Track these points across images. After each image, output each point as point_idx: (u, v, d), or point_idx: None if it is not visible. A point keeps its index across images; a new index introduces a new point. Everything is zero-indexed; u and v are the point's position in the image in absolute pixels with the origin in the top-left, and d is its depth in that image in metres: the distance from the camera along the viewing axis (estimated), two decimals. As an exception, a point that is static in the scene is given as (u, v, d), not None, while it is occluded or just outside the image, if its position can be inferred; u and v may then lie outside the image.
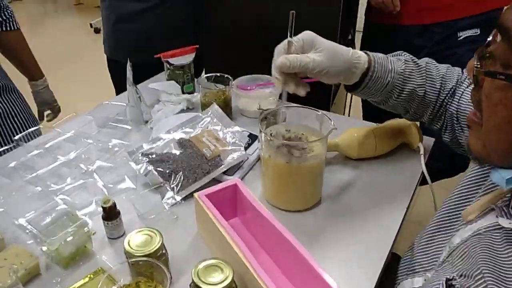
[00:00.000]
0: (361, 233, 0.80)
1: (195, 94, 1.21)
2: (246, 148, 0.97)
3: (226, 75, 1.12)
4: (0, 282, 0.64)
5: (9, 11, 1.29)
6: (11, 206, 0.85)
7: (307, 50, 0.74)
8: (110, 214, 0.77)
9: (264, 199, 0.87)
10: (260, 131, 0.80)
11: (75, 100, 1.93)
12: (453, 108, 0.80)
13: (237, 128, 1.01)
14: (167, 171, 0.89)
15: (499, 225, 0.53)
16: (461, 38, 1.33)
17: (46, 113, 1.52)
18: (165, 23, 1.44)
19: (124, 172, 0.94)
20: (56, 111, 1.52)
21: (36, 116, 1.46)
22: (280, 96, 0.83)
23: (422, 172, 0.92)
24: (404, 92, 0.80)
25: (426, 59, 0.84)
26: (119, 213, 0.78)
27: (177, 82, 1.21)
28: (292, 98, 0.83)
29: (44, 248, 0.71)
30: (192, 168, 0.89)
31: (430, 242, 0.69)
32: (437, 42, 1.36)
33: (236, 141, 0.96)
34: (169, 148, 0.94)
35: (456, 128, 0.81)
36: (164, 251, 0.68)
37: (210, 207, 0.73)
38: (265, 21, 1.26)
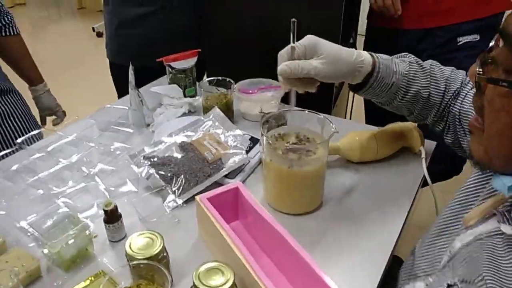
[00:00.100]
0: (362, 236, 0.79)
1: (197, 97, 1.22)
2: (247, 152, 0.97)
3: (228, 79, 1.13)
4: (2, 285, 0.64)
5: (9, 17, 1.30)
6: (13, 209, 0.85)
7: (310, 55, 0.74)
8: (112, 217, 0.77)
9: (265, 203, 0.87)
10: (262, 135, 0.80)
11: (77, 104, 1.94)
12: (456, 109, 0.80)
13: (238, 131, 1.01)
14: (169, 174, 0.89)
15: (501, 230, 0.53)
16: (461, 43, 1.33)
17: (51, 118, 1.52)
18: (167, 28, 1.45)
19: (126, 175, 0.94)
20: (60, 115, 1.52)
21: (38, 120, 1.46)
22: (288, 101, 0.83)
23: (424, 175, 0.92)
24: (409, 94, 0.80)
25: (430, 61, 0.84)
26: (120, 216, 0.78)
27: (179, 85, 1.22)
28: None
29: (46, 251, 0.72)
30: (194, 172, 0.89)
31: (431, 246, 0.69)
32: (438, 46, 1.36)
33: (238, 145, 0.96)
34: (171, 152, 0.94)
35: (458, 130, 0.81)
36: (165, 254, 0.68)
37: (211, 210, 0.73)
38: (266, 25, 1.26)
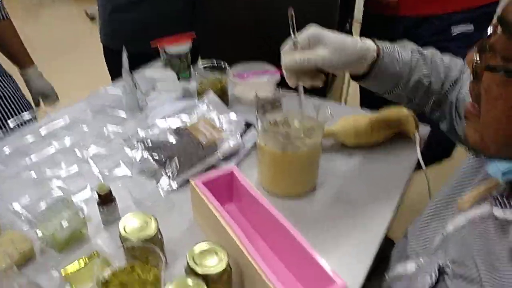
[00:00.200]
0: (355, 219, 0.80)
1: (191, 82, 1.21)
2: (242, 136, 0.97)
3: (222, 63, 1.12)
4: (-5, 266, 0.64)
5: None
6: (6, 193, 0.85)
7: (314, 46, 0.74)
8: (106, 200, 0.77)
9: (260, 186, 0.87)
10: (257, 119, 0.80)
11: (70, 88, 1.91)
12: (452, 97, 0.80)
13: (233, 115, 1.00)
14: (163, 158, 0.89)
15: (493, 214, 0.53)
16: (455, 34, 1.33)
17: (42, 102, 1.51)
18: (161, 13, 1.43)
19: (120, 159, 0.93)
20: (53, 99, 1.51)
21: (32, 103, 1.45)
22: (282, 85, 0.82)
23: (417, 160, 0.92)
24: (411, 82, 0.80)
25: (430, 48, 0.84)
26: (114, 199, 0.78)
27: (173, 70, 1.21)
28: (288, 85, 0.83)
29: (40, 234, 0.71)
30: (188, 155, 0.89)
31: (424, 228, 0.69)
32: (434, 34, 1.36)
33: (233, 129, 0.96)
34: (165, 135, 0.94)
35: (454, 117, 0.81)
36: (159, 236, 0.68)
37: (206, 193, 0.73)
38: (260, 10, 1.25)
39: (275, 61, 0.81)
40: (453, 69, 0.81)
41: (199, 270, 0.58)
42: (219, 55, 1.15)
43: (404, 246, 0.72)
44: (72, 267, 0.69)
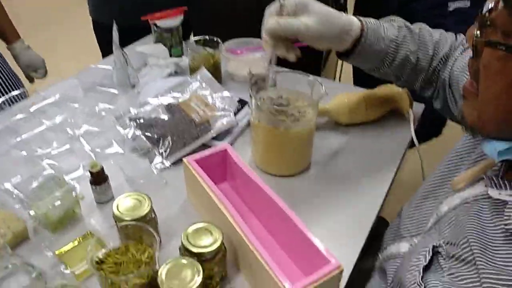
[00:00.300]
0: (349, 197, 0.80)
1: (183, 57, 1.19)
2: (235, 114, 0.96)
3: (215, 38, 1.10)
4: (-12, 246, 0.64)
5: None
6: (-4, 171, 0.84)
7: (299, 14, 0.72)
8: (98, 178, 0.76)
9: (253, 165, 0.87)
10: (250, 96, 0.79)
11: (59, 62, 1.88)
12: (445, 74, 0.79)
13: (226, 93, 0.99)
14: (155, 136, 0.88)
15: (488, 194, 0.53)
16: (451, 9, 1.31)
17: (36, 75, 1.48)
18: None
19: (112, 136, 0.92)
20: (42, 73, 1.48)
21: (23, 80, 1.42)
22: (270, 61, 0.81)
23: (411, 137, 0.92)
24: (397, 59, 0.79)
25: (419, 24, 0.82)
26: (107, 177, 0.77)
27: (164, 45, 1.18)
28: (283, 62, 0.82)
29: (32, 213, 0.71)
30: (181, 133, 0.88)
31: (418, 208, 0.70)
32: (429, 8, 1.34)
33: (226, 107, 0.95)
34: (157, 113, 0.93)
35: (448, 95, 0.80)
36: (153, 215, 0.68)
37: (199, 172, 0.72)
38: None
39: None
40: (443, 45, 0.80)
41: (194, 250, 0.59)
42: (213, 29, 1.13)
43: (398, 226, 0.73)
44: (66, 247, 0.69)
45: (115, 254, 0.60)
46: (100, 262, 0.60)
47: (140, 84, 1.09)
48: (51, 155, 0.88)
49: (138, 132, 0.89)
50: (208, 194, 0.69)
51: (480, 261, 0.48)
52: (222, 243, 0.61)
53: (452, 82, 0.78)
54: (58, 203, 0.71)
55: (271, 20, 0.72)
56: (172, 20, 1.17)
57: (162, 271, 0.56)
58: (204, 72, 1.02)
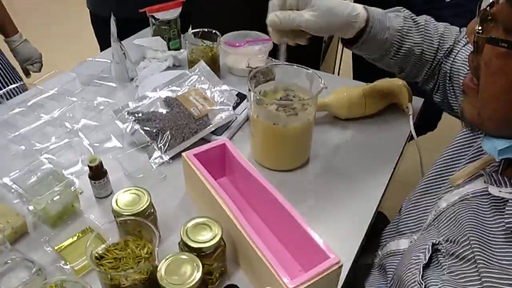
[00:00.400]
0: (348, 192, 0.80)
1: (181, 50, 1.18)
2: (234, 108, 0.95)
3: (213, 31, 1.09)
4: (-13, 242, 0.64)
5: None
6: (-5, 165, 0.84)
7: (302, 6, 0.72)
8: (97, 173, 0.76)
9: (252, 159, 0.87)
10: (249, 90, 0.79)
11: (57, 56, 1.87)
12: (447, 67, 0.79)
13: (225, 87, 0.99)
14: (154, 130, 0.87)
15: (487, 191, 0.52)
16: (448, 1, 1.31)
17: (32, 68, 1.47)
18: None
19: (110, 131, 0.92)
20: (38, 66, 1.47)
21: (21, 73, 1.42)
22: (276, 56, 0.81)
23: (410, 132, 0.92)
24: (401, 50, 0.78)
25: (424, 16, 0.82)
26: (106, 172, 0.77)
27: (163, 38, 1.17)
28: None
29: (31, 207, 0.71)
30: (180, 128, 0.88)
31: (417, 204, 0.69)
32: (426, 2, 1.33)
33: (224, 101, 0.95)
34: (156, 107, 0.92)
35: (448, 88, 0.80)
36: (152, 210, 0.68)
37: (198, 166, 0.72)
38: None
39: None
40: (448, 38, 0.80)
41: (193, 245, 0.59)
42: (211, 22, 1.12)
43: (398, 223, 0.72)
44: (66, 242, 0.69)
45: (114, 250, 0.61)
46: (100, 257, 0.60)
47: (138, 77, 1.08)
48: (49, 150, 0.87)
49: (137, 126, 0.88)
50: (207, 189, 0.69)
51: (480, 259, 0.48)
52: (222, 238, 0.61)
53: (453, 74, 0.78)
54: (57, 198, 0.71)
55: (273, 14, 0.72)
56: (170, 12, 1.16)
57: (162, 267, 0.56)
58: (202, 65, 1.01)
